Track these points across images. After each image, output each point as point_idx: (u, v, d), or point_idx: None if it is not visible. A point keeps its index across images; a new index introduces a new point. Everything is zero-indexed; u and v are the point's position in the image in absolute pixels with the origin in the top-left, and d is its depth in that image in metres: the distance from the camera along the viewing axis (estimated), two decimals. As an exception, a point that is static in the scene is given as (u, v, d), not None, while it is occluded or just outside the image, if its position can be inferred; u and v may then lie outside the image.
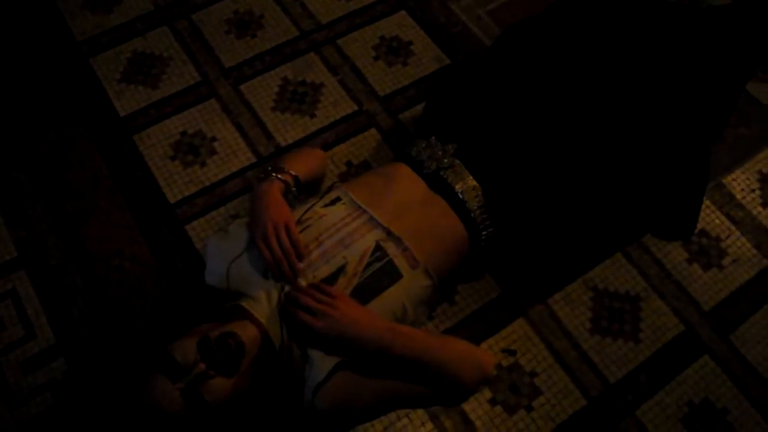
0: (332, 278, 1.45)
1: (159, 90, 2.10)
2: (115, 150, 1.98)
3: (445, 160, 1.60)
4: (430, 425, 1.61)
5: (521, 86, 1.69)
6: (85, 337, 1.71)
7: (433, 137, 1.64)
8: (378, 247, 1.48)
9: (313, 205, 1.55)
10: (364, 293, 1.44)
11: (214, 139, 2.00)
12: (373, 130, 2.04)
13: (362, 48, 2.20)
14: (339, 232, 1.49)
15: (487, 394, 1.66)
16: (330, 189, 1.60)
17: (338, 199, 1.56)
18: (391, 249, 1.48)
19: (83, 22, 2.22)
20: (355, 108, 2.08)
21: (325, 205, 1.55)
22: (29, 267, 1.81)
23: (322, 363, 1.38)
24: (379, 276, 1.46)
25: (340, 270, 1.45)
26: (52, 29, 2.20)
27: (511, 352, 1.71)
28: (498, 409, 1.64)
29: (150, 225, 1.86)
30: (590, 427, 1.64)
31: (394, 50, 2.20)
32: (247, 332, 1.35)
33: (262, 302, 1.44)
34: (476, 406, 1.64)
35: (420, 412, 1.62)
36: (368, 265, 1.46)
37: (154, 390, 1.28)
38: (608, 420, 1.65)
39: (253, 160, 1.97)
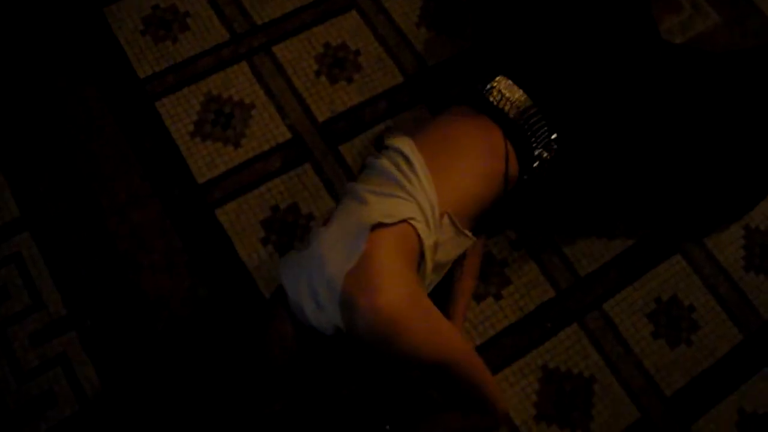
0: None
1: (130, -38, 1.99)
2: (83, 24, 1.88)
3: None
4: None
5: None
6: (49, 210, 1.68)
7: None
8: None
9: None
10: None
11: (187, 14, 1.91)
12: (353, 12, 1.95)
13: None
14: None
15: (459, 282, 1.65)
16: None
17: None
18: None
19: None
20: (335, -11, 1.99)
21: None
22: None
23: None
24: None
25: None
26: None
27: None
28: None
29: (119, 102, 1.80)
30: (557, 318, 1.65)
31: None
32: None
33: None
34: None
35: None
36: None
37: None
38: (575, 312, 1.66)
39: (228, 38, 1.89)
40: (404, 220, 1.29)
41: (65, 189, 1.70)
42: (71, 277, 1.62)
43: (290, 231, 1.69)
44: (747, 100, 1.62)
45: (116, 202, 1.69)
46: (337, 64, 1.87)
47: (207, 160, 1.74)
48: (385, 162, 1.38)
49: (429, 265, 1.34)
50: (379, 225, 1.27)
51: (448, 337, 1.29)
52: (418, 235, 1.30)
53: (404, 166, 1.35)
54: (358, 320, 1.22)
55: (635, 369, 1.63)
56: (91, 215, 1.68)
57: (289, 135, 1.79)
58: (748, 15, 2.04)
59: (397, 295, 1.22)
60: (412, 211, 1.31)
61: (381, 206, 1.30)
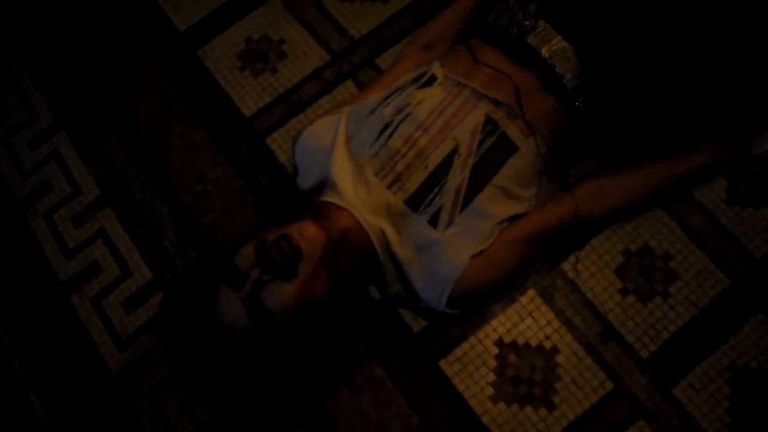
0: (446, 163, 1.35)
1: (215, -3, 1.93)
2: (180, 69, 1.85)
3: (527, 23, 1.42)
4: (556, 322, 1.47)
5: None
6: (178, 267, 1.64)
7: None
8: (489, 120, 1.36)
9: (405, 88, 1.43)
10: (482, 173, 1.34)
11: (282, 41, 1.83)
12: (454, 7, 1.82)
13: None
14: (443, 115, 1.37)
15: (617, 284, 1.49)
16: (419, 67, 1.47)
17: (433, 78, 1.42)
18: (503, 120, 1.36)
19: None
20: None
21: (420, 87, 1.41)
22: (114, 204, 1.74)
23: (452, 257, 1.33)
24: (494, 152, 1.35)
25: (453, 153, 1.35)
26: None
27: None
28: (631, 298, 1.48)
29: (228, 143, 1.74)
30: (737, 309, 1.46)
31: None
32: (308, 232, 1.23)
33: (357, 194, 1.37)
34: (606, 299, 1.49)
35: (544, 309, 1.48)
36: (481, 141, 1.35)
37: (220, 302, 1.21)
38: (756, 299, 1.47)
39: (328, 58, 1.79)
40: None
41: (190, 238, 1.67)
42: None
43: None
44: None
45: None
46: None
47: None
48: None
49: None
50: None
51: None
52: None
53: None
54: None
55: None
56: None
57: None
58: None
59: None
60: None
61: None
